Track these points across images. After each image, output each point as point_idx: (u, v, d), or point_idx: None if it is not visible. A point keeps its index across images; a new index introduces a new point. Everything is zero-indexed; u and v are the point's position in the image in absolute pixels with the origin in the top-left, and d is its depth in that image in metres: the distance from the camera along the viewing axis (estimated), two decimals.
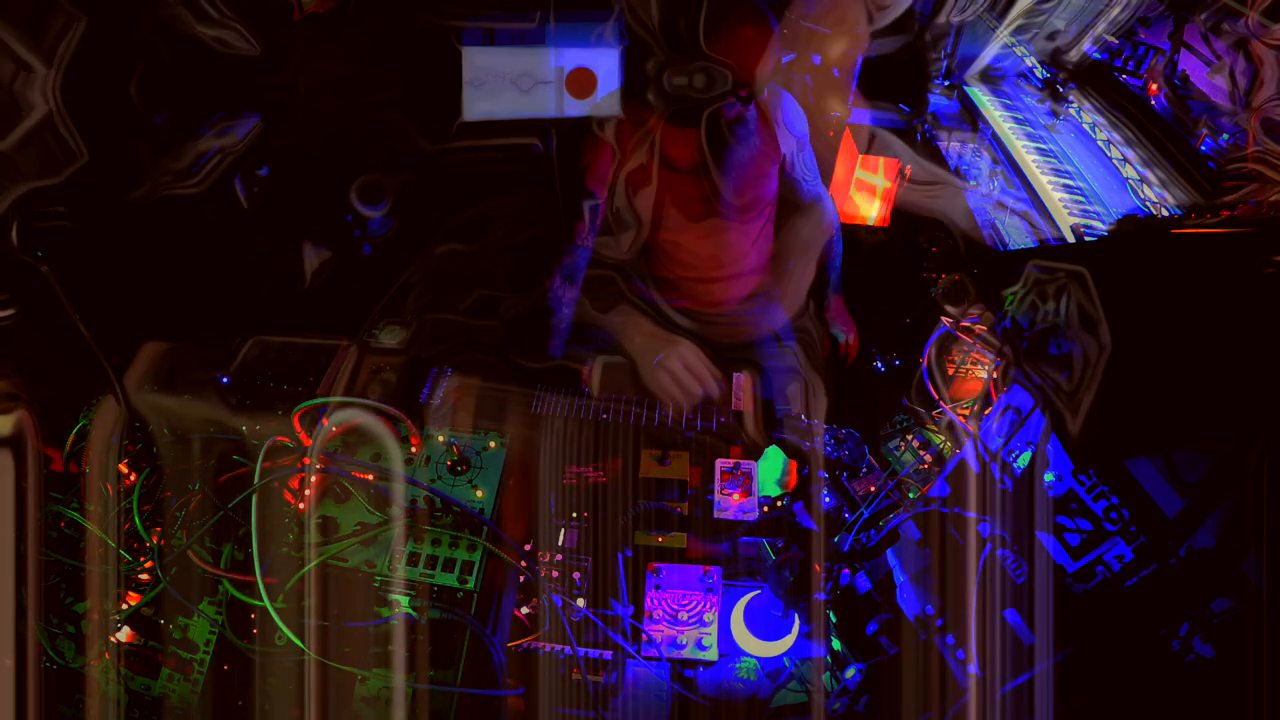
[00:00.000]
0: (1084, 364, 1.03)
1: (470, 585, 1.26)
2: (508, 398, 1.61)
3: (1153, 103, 2.25)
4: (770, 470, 1.56)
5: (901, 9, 2.33)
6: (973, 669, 1.15)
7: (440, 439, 1.42)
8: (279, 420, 1.39)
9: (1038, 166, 2.27)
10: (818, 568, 1.30)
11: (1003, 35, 2.58)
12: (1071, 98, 2.48)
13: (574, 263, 2.00)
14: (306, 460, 1.30)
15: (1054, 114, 2.49)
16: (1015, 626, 1.12)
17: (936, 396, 1.67)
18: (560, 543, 1.46)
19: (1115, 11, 2.32)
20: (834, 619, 1.37)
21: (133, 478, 1.38)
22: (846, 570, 1.40)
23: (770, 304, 2.23)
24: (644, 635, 1.34)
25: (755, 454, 1.57)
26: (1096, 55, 2.44)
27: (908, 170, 2.38)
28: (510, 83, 2.15)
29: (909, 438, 1.77)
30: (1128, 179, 2.14)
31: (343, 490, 1.33)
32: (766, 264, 2.23)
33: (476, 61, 2.14)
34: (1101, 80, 2.43)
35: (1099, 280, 1.03)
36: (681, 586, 1.39)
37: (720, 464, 1.53)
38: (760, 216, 2.11)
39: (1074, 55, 2.50)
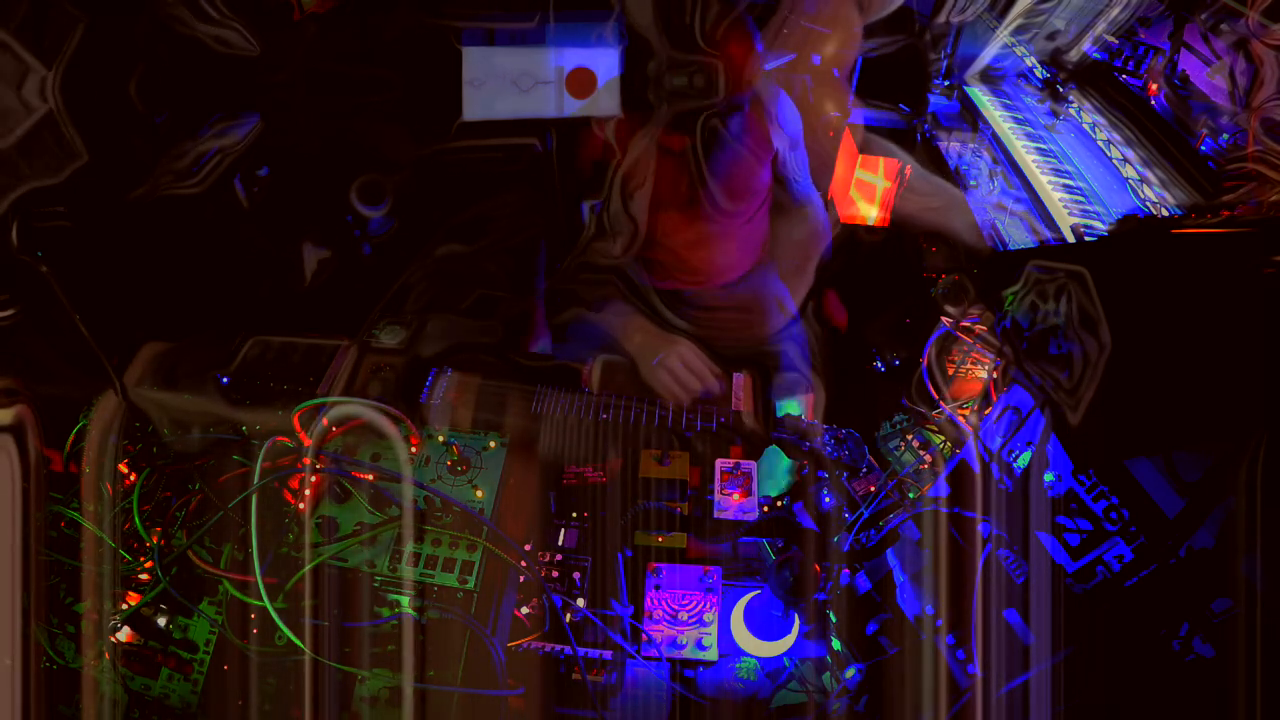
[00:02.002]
0: (1084, 364, 1.03)
1: (470, 585, 1.26)
2: (508, 395, 1.61)
3: (1153, 103, 2.25)
4: (771, 469, 1.56)
5: (895, 5, 2.32)
6: (973, 669, 1.15)
7: (440, 439, 1.42)
8: (279, 420, 1.39)
9: (1038, 166, 2.27)
10: (818, 568, 1.30)
11: (1003, 35, 2.58)
12: (1071, 98, 2.47)
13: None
14: (306, 460, 1.30)
15: (1054, 114, 2.49)
16: (1015, 626, 1.12)
17: (936, 396, 1.67)
18: (560, 543, 1.46)
19: (1115, 11, 2.32)
20: (834, 619, 1.37)
21: (133, 478, 1.38)
22: (846, 570, 1.40)
23: (765, 273, 2.21)
24: (644, 635, 1.34)
25: (755, 454, 1.58)
26: (1096, 55, 2.44)
27: (908, 170, 2.38)
28: (510, 83, 2.15)
29: (909, 438, 1.77)
30: (1128, 179, 2.14)
31: (343, 490, 1.33)
32: (759, 254, 2.22)
33: (476, 61, 2.14)
34: (1101, 80, 2.43)
35: (1099, 280, 1.03)
36: (681, 586, 1.39)
37: (720, 464, 1.53)
38: (750, 208, 2.10)
39: (1074, 55, 2.50)
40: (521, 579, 1.36)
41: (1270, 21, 1.79)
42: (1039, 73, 2.60)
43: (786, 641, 1.37)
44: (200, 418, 1.48)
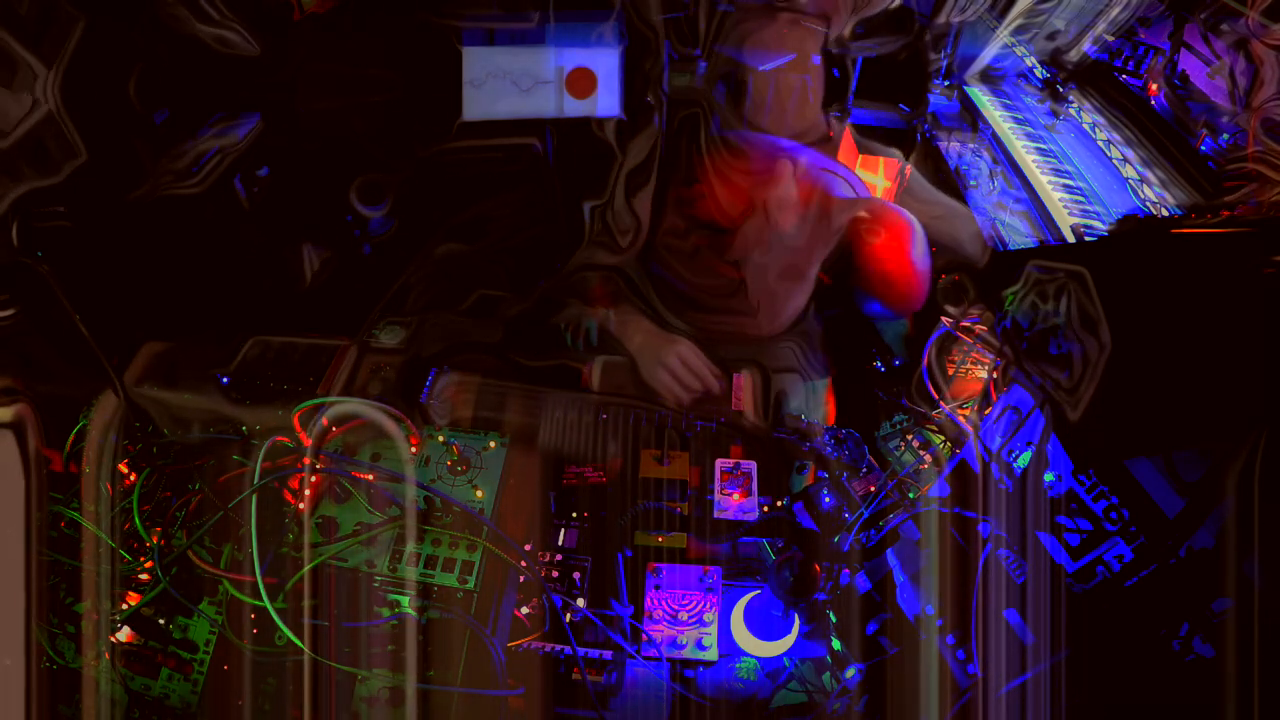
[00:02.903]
0: (1084, 364, 1.03)
1: (470, 585, 1.26)
2: (508, 395, 1.61)
3: (1153, 103, 2.25)
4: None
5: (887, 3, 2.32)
6: (973, 669, 1.15)
7: (440, 439, 1.42)
8: (279, 419, 1.39)
9: (1038, 166, 2.27)
10: (817, 568, 1.30)
11: (1003, 35, 2.58)
12: (1071, 98, 2.48)
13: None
14: (306, 460, 1.30)
15: (1054, 114, 2.49)
16: (1015, 626, 1.12)
17: (936, 396, 1.67)
18: (560, 543, 1.46)
19: (1115, 11, 2.32)
20: (834, 619, 1.37)
21: (133, 478, 1.38)
22: (846, 570, 1.40)
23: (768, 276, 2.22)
24: (644, 635, 1.34)
25: (755, 454, 1.57)
26: (1096, 55, 2.44)
27: (908, 170, 2.38)
28: (510, 83, 2.15)
29: (909, 438, 1.77)
30: (1128, 179, 2.14)
31: (343, 490, 1.33)
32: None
33: (476, 61, 2.14)
34: (1101, 80, 2.43)
35: (1099, 280, 1.03)
36: (681, 586, 1.39)
37: (720, 464, 1.53)
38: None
39: (1074, 55, 2.50)
40: (521, 579, 1.36)
41: (1270, 21, 1.79)
42: (1039, 73, 2.60)
43: (786, 641, 1.37)
44: (200, 415, 1.48)
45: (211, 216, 2.10)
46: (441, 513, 1.31)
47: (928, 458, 1.70)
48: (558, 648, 1.32)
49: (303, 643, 1.16)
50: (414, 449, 1.40)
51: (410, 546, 1.28)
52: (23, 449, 1.32)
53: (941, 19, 2.58)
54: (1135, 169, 2.15)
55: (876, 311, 2.17)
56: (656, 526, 1.46)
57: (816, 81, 2.36)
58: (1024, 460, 1.16)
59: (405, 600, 1.23)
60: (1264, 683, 0.88)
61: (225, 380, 1.53)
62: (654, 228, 2.06)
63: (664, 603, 1.37)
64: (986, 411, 1.29)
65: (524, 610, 1.36)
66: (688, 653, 1.33)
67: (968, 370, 1.75)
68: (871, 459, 1.60)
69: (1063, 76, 2.51)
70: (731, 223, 1.93)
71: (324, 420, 1.33)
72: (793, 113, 2.16)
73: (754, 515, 1.48)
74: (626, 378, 1.95)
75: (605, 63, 2.14)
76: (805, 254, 2.11)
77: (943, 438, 1.72)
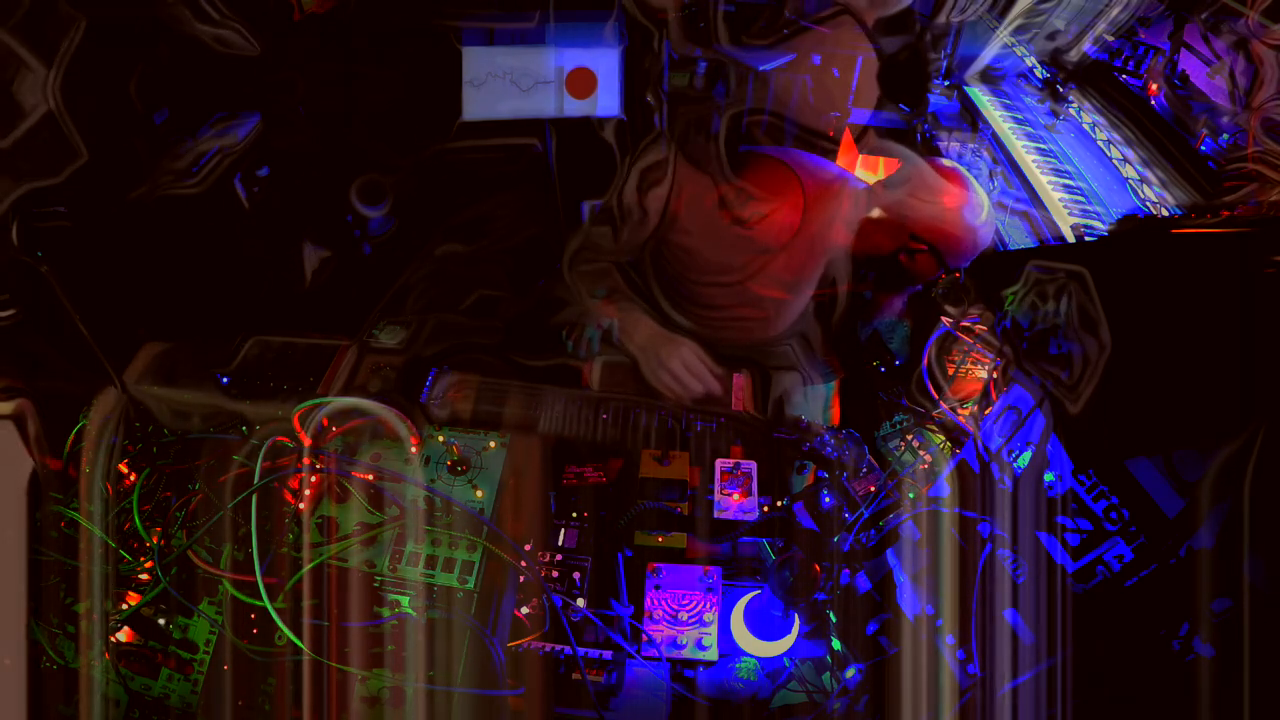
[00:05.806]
0: (1084, 364, 1.03)
1: (470, 585, 1.26)
2: (508, 391, 1.62)
3: (1153, 103, 2.25)
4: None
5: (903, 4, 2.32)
6: (973, 669, 1.15)
7: (440, 439, 1.42)
8: (279, 419, 1.40)
9: (1038, 166, 2.27)
10: (817, 568, 1.30)
11: (1003, 35, 2.58)
12: (1071, 98, 2.48)
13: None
14: (307, 460, 1.30)
15: (1054, 114, 2.49)
16: (1015, 626, 1.12)
17: (936, 396, 1.67)
18: (560, 543, 1.46)
19: (1115, 11, 2.32)
20: (834, 619, 1.37)
21: (133, 478, 1.38)
22: (846, 570, 1.40)
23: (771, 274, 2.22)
24: (644, 635, 1.34)
25: (755, 454, 1.58)
26: (1096, 55, 2.44)
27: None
28: (510, 83, 2.15)
29: (909, 438, 1.77)
30: (1128, 179, 2.14)
31: (343, 490, 1.33)
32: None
33: (476, 61, 2.14)
34: (1101, 80, 2.43)
35: (1099, 280, 1.03)
36: (681, 586, 1.39)
37: (720, 464, 1.53)
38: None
39: (1074, 55, 2.50)
40: (521, 579, 1.36)
41: (1270, 21, 1.79)
42: (1039, 73, 2.60)
43: (786, 641, 1.37)
44: (202, 411, 1.48)
45: (211, 216, 2.10)
46: (441, 513, 1.31)
47: (928, 458, 1.70)
48: (558, 648, 1.32)
49: (303, 643, 1.16)
50: (414, 449, 1.40)
51: (410, 546, 1.28)
52: (24, 442, 1.32)
53: (941, 19, 2.58)
54: (1135, 169, 2.15)
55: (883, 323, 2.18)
56: (656, 526, 1.46)
57: (817, 82, 2.36)
58: (1024, 460, 1.16)
59: (405, 600, 1.23)
60: (1264, 683, 0.88)
61: (225, 380, 1.54)
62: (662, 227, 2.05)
63: (664, 603, 1.37)
64: (986, 411, 1.29)
65: (524, 610, 1.36)
66: (688, 653, 1.33)
67: (968, 370, 1.75)
68: (871, 459, 1.60)
69: (1063, 76, 2.51)
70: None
71: (324, 419, 1.33)
72: (793, 113, 2.16)
73: (754, 515, 1.48)
74: (627, 377, 1.95)
75: (605, 63, 2.14)
76: (815, 259, 2.11)
77: (943, 438, 1.72)
